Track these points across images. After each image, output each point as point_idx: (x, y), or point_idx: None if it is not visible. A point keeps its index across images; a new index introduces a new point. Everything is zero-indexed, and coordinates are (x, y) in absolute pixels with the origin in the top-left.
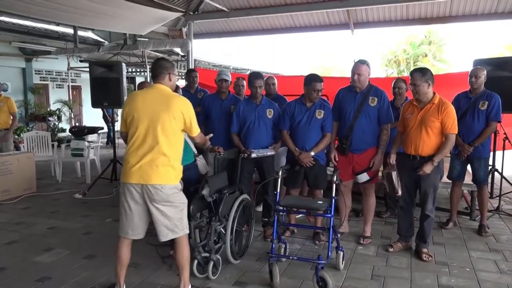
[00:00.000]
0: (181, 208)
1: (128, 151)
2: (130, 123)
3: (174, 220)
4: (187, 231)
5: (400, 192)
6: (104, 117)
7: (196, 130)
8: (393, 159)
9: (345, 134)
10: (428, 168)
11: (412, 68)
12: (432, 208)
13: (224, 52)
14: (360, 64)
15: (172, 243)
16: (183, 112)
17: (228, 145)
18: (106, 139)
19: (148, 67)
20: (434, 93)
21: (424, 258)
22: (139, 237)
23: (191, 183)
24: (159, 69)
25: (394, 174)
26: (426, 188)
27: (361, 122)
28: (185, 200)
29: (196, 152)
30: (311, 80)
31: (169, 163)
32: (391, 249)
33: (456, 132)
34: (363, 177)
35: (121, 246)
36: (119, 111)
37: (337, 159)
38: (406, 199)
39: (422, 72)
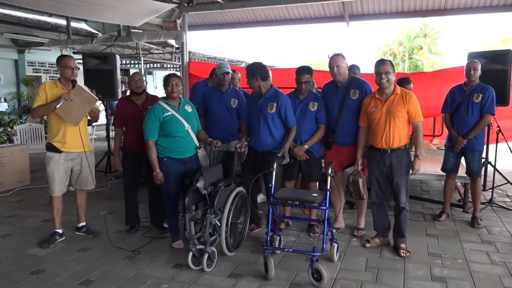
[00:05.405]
0: None
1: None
2: None
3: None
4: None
5: (366, 196)
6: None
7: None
8: (359, 163)
9: (332, 128)
10: (418, 165)
11: (407, 61)
12: (406, 200)
13: (219, 44)
14: (336, 56)
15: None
16: None
17: (229, 139)
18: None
19: (142, 59)
20: (394, 85)
21: (402, 254)
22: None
23: (193, 174)
24: None
25: (360, 182)
26: (398, 181)
27: (346, 116)
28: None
29: (197, 144)
30: (298, 72)
31: None
32: (368, 245)
33: (422, 120)
34: (351, 170)
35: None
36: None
37: (324, 152)
38: (378, 193)
39: (391, 62)
